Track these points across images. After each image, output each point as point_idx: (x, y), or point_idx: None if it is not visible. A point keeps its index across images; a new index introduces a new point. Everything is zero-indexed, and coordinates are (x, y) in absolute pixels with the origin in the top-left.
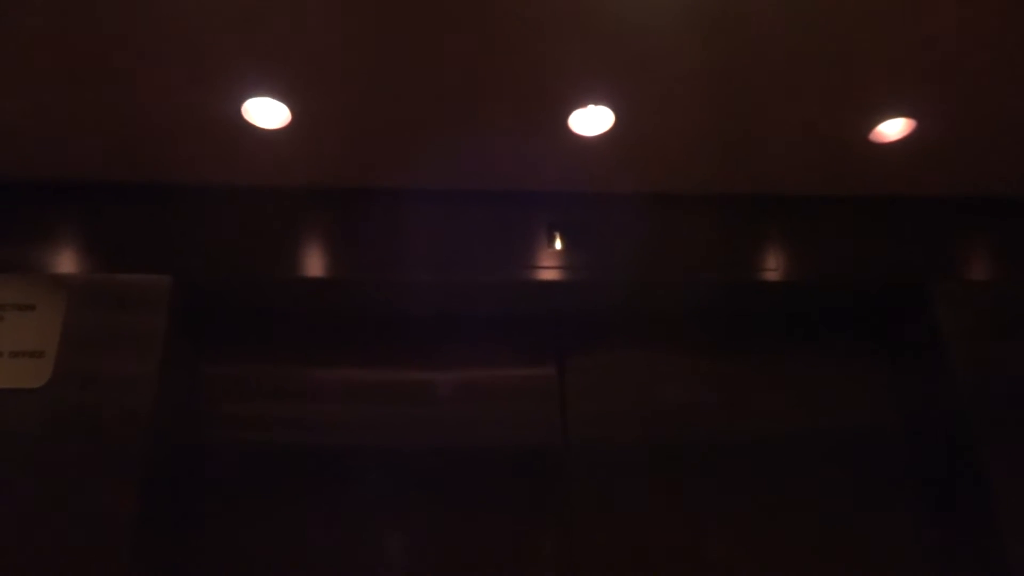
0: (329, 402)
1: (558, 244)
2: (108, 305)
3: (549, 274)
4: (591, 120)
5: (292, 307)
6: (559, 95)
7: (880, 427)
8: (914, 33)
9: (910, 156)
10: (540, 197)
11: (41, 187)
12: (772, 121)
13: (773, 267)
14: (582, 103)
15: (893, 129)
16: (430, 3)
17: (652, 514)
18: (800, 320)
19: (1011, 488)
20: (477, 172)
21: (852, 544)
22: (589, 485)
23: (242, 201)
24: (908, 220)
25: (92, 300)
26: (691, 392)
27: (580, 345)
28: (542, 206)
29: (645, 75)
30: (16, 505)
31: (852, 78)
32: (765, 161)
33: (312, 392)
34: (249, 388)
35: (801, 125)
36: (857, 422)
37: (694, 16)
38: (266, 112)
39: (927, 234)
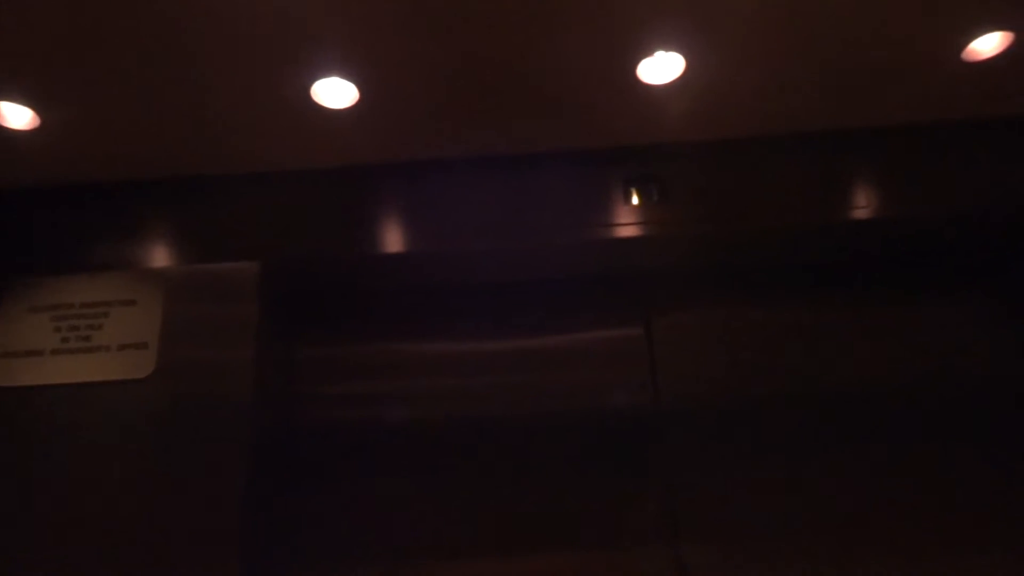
0: (421, 376)
1: (635, 199)
2: (202, 295)
3: (628, 231)
4: (660, 68)
5: (375, 284)
6: (626, 43)
7: (999, 375)
8: None
9: (1008, 73)
10: (614, 153)
11: (132, 186)
12: (851, 47)
13: (864, 204)
14: (650, 51)
15: (988, 45)
16: None
17: (750, 472)
18: (899, 261)
19: None
20: (548, 132)
21: (968, 505)
22: (684, 445)
23: (317, 183)
24: (1009, 142)
25: (187, 291)
26: (784, 345)
27: (666, 303)
28: (617, 162)
29: (713, 16)
30: (131, 491)
31: None
32: (846, 92)
33: (403, 367)
34: (341, 367)
35: (885, 48)
36: (972, 371)
37: None
38: (334, 92)
39: None
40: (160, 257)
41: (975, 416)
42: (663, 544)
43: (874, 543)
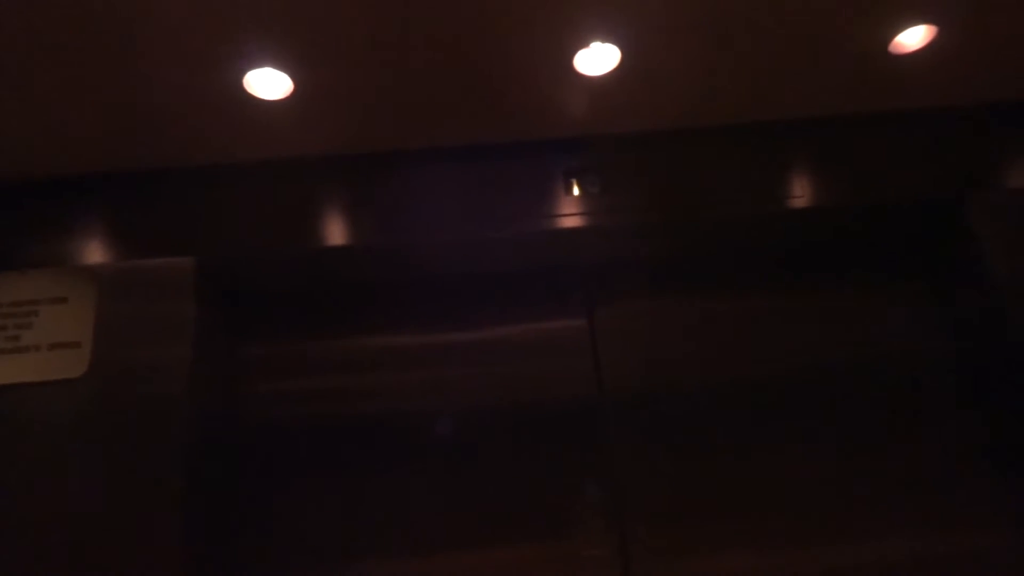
0: (362, 372)
1: (576, 191)
2: (136, 292)
3: (570, 222)
4: (597, 59)
5: (316, 278)
6: (562, 34)
7: (926, 354)
8: None
9: (933, 65)
10: (555, 144)
11: (62, 181)
12: (784, 41)
13: (799, 194)
14: (586, 42)
15: (913, 38)
16: None
17: (694, 461)
18: (832, 249)
19: None
20: (486, 125)
21: (900, 477)
22: (628, 435)
23: (254, 176)
24: (936, 133)
25: (121, 288)
26: (725, 335)
27: (609, 294)
28: (558, 153)
29: (646, 7)
30: (63, 496)
31: None
32: (780, 85)
33: (346, 363)
34: (283, 364)
35: (815, 42)
36: (901, 351)
37: None
38: (268, 83)
39: (958, 146)
40: (92, 253)
41: (908, 397)
42: (608, 532)
43: (817, 526)
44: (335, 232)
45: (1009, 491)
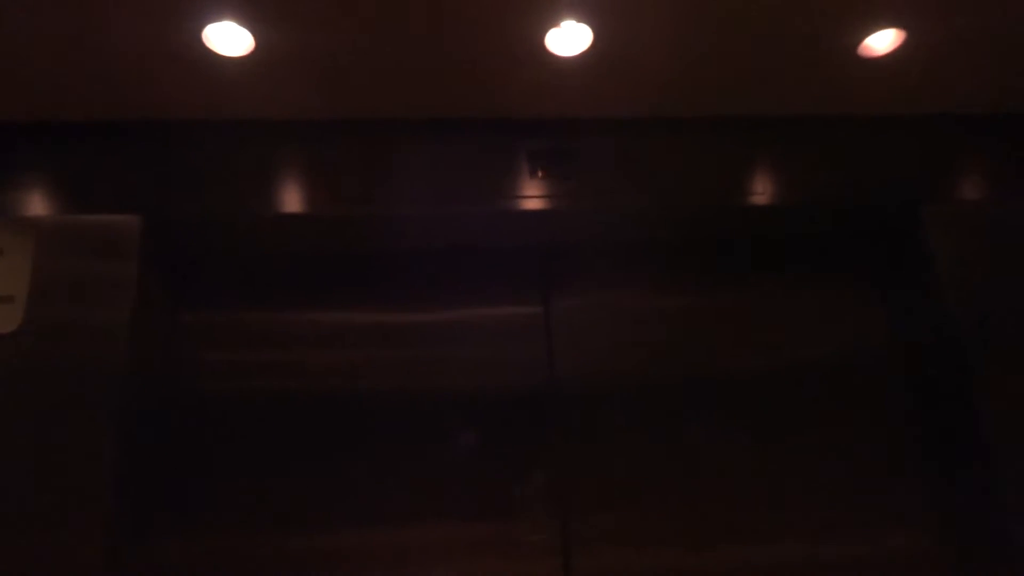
0: (307, 347)
1: (540, 173)
2: (78, 248)
3: (531, 203)
4: (568, 39)
5: (267, 246)
6: (534, 12)
7: (872, 357)
8: None
9: (900, 71)
10: (521, 124)
11: (6, 128)
12: (755, 37)
13: (760, 191)
14: (557, 20)
15: (882, 42)
16: None
17: (640, 451)
18: (790, 247)
19: (1006, 420)
20: (453, 100)
21: (833, 476)
22: (577, 423)
23: (210, 136)
24: (899, 140)
25: (61, 243)
26: (679, 326)
27: (565, 281)
28: (523, 133)
29: None
30: None
31: None
32: (748, 81)
33: (291, 337)
34: (226, 334)
35: (786, 40)
36: (849, 352)
37: None
38: (228, 39)
39: (919, 154)
40: (33, 205)
41: (848, 399)
42: (552, 517)
43: (751, 523)
44: (290, 199)
45: (937, 492)
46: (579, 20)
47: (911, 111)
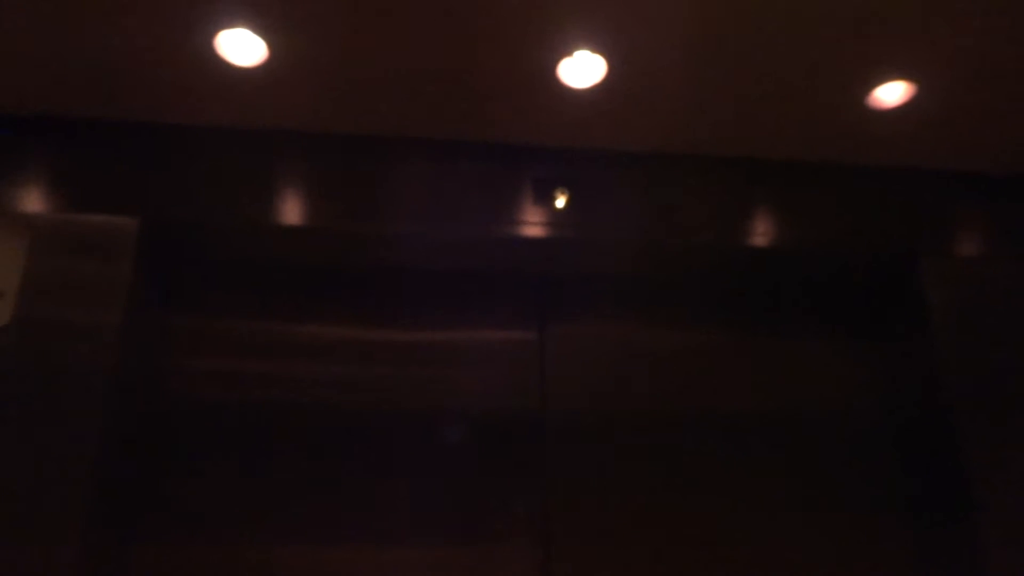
0: (299, 359)
1: (544, 201)
2: (72, 247)
3: (533, 230)
4: (581, 70)
5: (264, 256)
6: (549, 41)
7: (865, 407)
8: None
9: (907, 125)
10: (529, 151)
11: (5, 121)
12: (767, 81)
13: (761, 232)
14: (571, 50)
15: (892, 94)
16: None
17: (626, 484)
18: (785, 292)
19: (993, 478)
20: (464, 123)
21: (827, 520)
22: (564, 453)
23: (217, 143)
24: (901, 192)
25: (55, 241)
26: (673, 363)
27: (562, 311)
28: (530, 161)
29: (638, 24)
30: None
31: (852, 37)
32: (758, 123)
33: (282, 349)
34: (216, 342)
35: (796, 85)
36: (841, 400)
37: None
38: (241, 47)
39: (919, 208)
40: (29, 202)
41: (840, 444)
42: (533, 544)
43: (741, 558)
44: (289, 210)
45: (918, 548)
46: (594, 51)
47: (915, 164)
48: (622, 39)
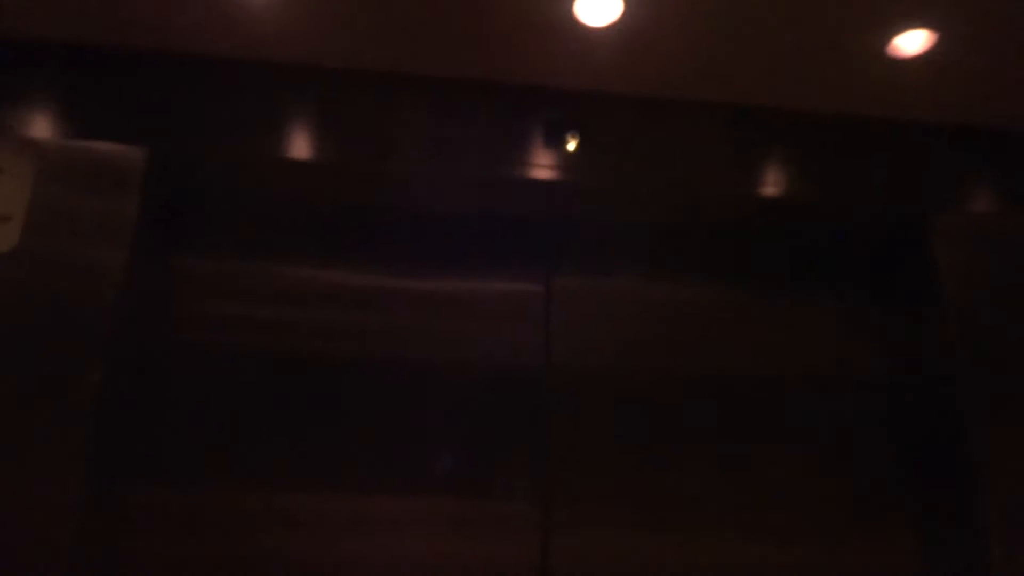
0: (305, 305)
1: (554, 143)
2: (80, 174)
3: (542, 173)
4: (598, 8)
5: (270, 193)
6: None
7: (871, 368)
8: None
9: (925, 77)
10: (540, 92)
11: (17, 46)
12: (786, 28)
13: (772, 183)
14: None
15: (913, 43)
16: None
17: (629, 439)
18: (794, 248)
19: (1000, 442)
20: (477, 62)
21: (827, 482)
22: (568, 409)
23: (225, 73)
24: (914, 146)
25: (63, 168)
26: (679, 318)
27: (569, 263)
28: (541, 102)
29: None
30: None
31: None
32: (775, 70)
33: (283, 294)
34: (218, 284)
35: (815, 32)
36: (846, 361)
37: None
38: None
39: (932, 163)
40: (38, 127)
41: (845, 405)
42: (533, 499)
43: (743, 515)
44: (299, 145)
45: (921, 516)
46: None
47: (931, 117)
48: None
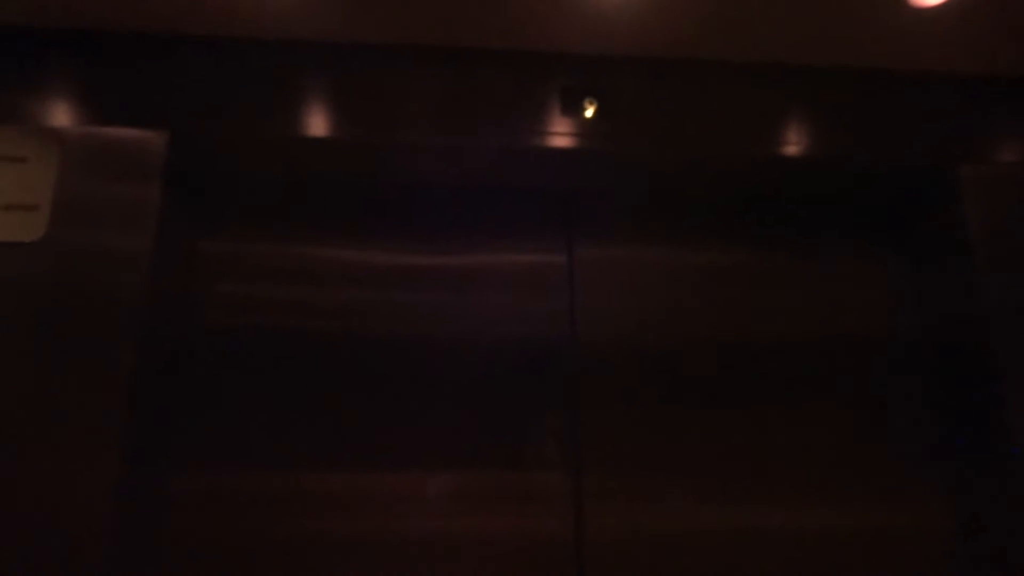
0: (329, 284)
1: (572, 110)
2: (103, 161)
3: (560, 141)
4: None
5: (294, 171)
6: None
7: (895, 327)
8: None
9: (949, 25)
10: (555, 59)
11: (35, 33)
12: None
13: (795, 142)
14: None
15: None
16: None
17: (659, 409)
18: (821, 207)
19: None
20: (489, 29)
21: (862, 446)
22: (595, 379)
23: (242, 53)
24: (940, 98)
25: (86, 155)
26: (705, 285)
27: (591, 231)
28: (557, 69)
29: None
30: (8, 354)
31: None
32: (793, 26)
33: (315, 273)
34: (247, 266)
35: None
36: (878, 323)
37: None
38: None
39: (958, 114)
40: (59, 115)
41: (877, 367)
42: (564, 471)
43: (777, 483)
44: (318, 122)
45: (950, 468)
46: None
47: (954, 69)
48: None
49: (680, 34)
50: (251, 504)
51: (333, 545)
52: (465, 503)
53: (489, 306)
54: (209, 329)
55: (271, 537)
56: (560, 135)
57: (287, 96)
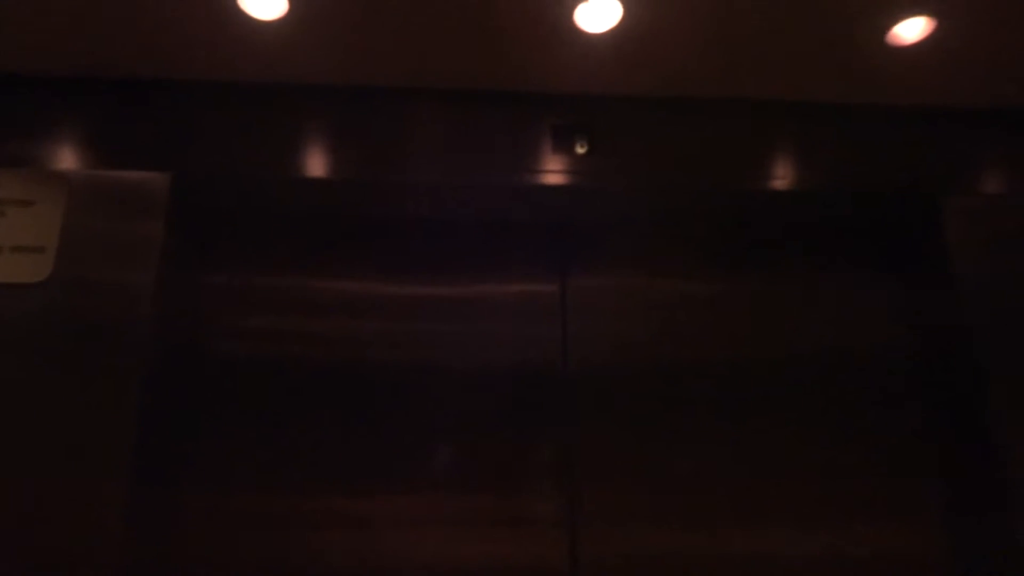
0: (330, 315)
1: (563, 148)
2: (107, 202)
3: (552, 178)
4: (597, 14)
5: (292, 210)
6: None
7: (886, 350)
8: None
9: (928, 61)
10: (546, 98)
11: (41, 81)
12: (785, 20)
13: (782, 176)
14: None
15: (912, 31)
16: None
17: (652, 434)
18: (808, 235)
19: (1019, 421)
20: (479, 70)
21: (853, 468)
22: (588, 405)
23: (241, 97)
24: (922, 131)
25: (91, 197)
26: (695, 312)
27: (582, 261)
28: (547, 108)
29: None
30: (14, 394)
31: None
32: (777, 63)
33: (314, 304)
34: (249, 299)
35: (814, 24)
36: (863, 345)
37: None
38: (262, 1)
39: (942, 146)
40: (64, 159)
41: (863, 391)
42: (559, 494)
43: (770, 506)
44: (316, 162)
45: (946, 490)
46: None
47: (937, 102)
48: None
49: (666, 74)
50: (255, 527)
51: (333, 567)
52: (460, 528)
53: (484, 335)
54: (213, 359)
55: (274, 558)
56: (553, 172)
57: (286, 137)
